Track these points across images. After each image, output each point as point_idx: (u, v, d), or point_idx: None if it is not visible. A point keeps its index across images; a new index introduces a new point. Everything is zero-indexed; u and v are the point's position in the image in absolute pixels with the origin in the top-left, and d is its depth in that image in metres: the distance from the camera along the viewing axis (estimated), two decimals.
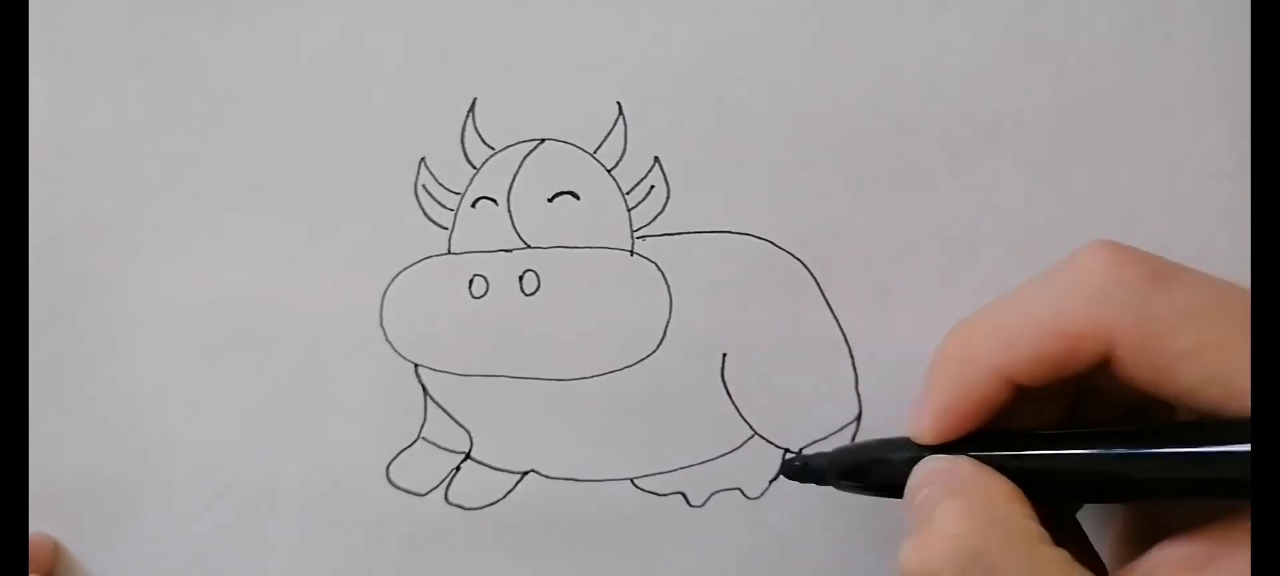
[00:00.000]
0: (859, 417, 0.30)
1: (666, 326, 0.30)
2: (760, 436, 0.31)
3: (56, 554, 0.31)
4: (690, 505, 0.31)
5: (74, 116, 0.31)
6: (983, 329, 0.25)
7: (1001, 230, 0.30)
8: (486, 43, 0.31)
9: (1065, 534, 0.26)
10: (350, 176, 0.31)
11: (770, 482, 0.31)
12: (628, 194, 0.30)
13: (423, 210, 0.31)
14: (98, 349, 0.31)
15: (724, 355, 0.30)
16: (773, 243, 0.30)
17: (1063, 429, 0.25)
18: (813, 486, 0.28)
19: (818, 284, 0.30)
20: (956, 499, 0.23)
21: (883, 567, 0.31)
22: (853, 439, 0.30)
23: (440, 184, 0.30)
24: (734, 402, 0.31)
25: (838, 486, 0.28)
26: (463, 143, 0.30)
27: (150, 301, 0.31)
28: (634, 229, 0.30)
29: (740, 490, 0.31)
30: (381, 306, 0.31)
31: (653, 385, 0.30)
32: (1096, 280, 0.23)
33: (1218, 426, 0.21)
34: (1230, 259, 0.28)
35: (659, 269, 0.30)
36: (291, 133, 0.31)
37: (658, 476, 0.31)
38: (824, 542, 0.31)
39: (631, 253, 0.30)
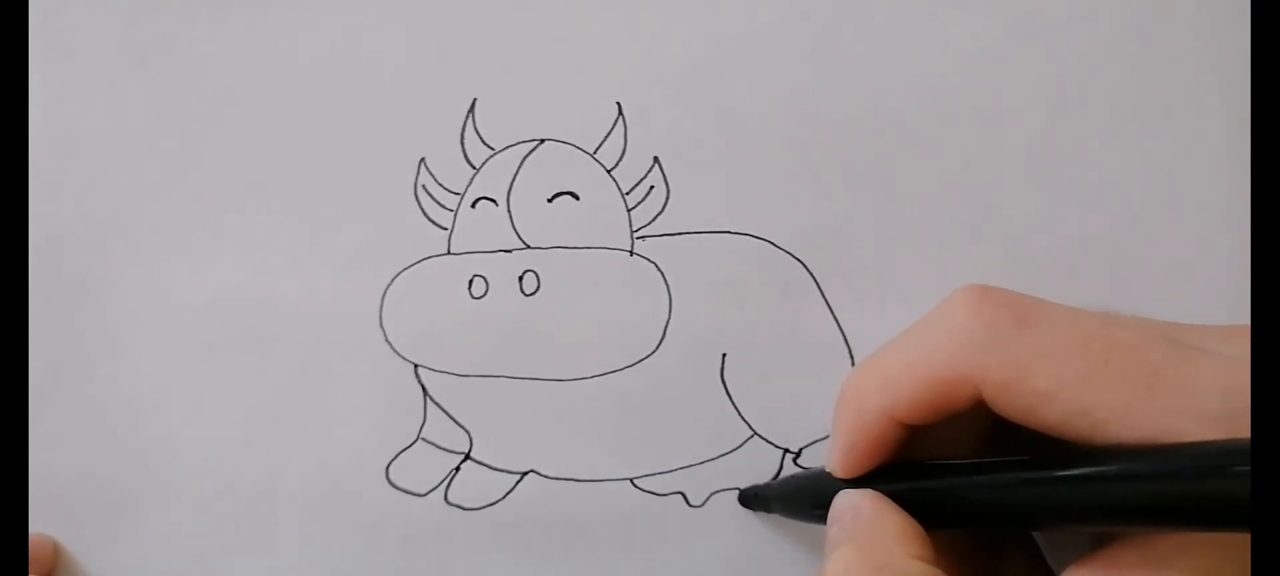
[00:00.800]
0: None
1: (666, 326, 0.30)
2: (760, 436, 0.31)
3: (56, 555, 0.31)
4: (690, 505, 0.31)
5: (74, 116, 0.31)
6: (868, 373, 0.26)
7: (1001, 230, 0.30)
8: (486, 43, 0.31)
9: (1017, 557, 0.27)
10: (350, 176, 0.31)
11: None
12: (627, 194, 0.30)
13: (422, 210, 0.31)
14: (98, 349, 0.31)
15: (724, 355, 0.30)
16: (773, 243, 0.30)
17: (973, 459, 0.25)
18: (763, 514, 0.30)
19: (817, 284, 0.30)
20: (846, 546, 0.24)
21: None
22: None
23: (440, 184, 0.30)
24: (733, 403, 0.31)
25: (783, 514, 0.29)
26: (462, 143, 0.30)
27: (150, 301, 0.31)
28: (634, 229, 0.30)
29: (740, 490, 0.31)
30: (381, 306, 0.31)
31: (653, 385, 0.30)
32: (961, 326, 0.24)
33: (1080, 455, 0.22)
34: (1230, 259, 0.29)
35: (659, 269, 0.30)
36: (291, 133, 0.31)
37: (657, 476, 0.31)
38: (824, 543, 0.31)
39: (631, 253, 0.30)
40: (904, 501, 0.25)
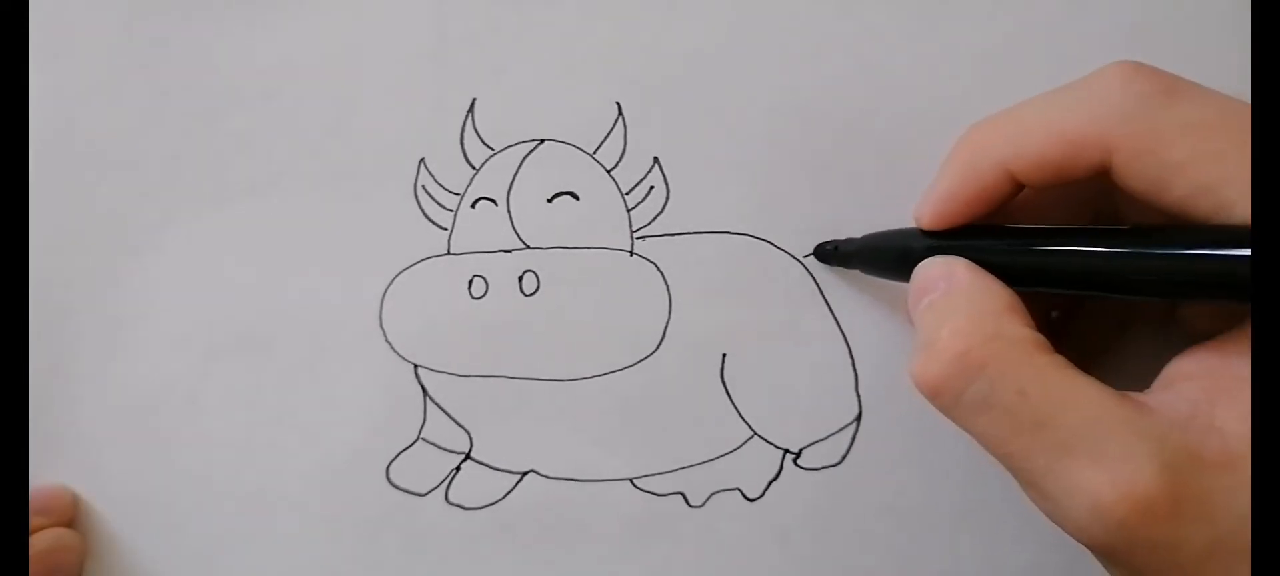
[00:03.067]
0: (859, 417, 0.30)
1: (666, 326, 0.30)
2: (760, 436, 0.31)
3: (76, 505, 0.31)
4: (690, 505, 0.31)
5: (74, 116, 0.31)
6: (994, 126, 0.26)
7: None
8: (486, 43, 0.31)
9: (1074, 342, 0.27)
10: (350, 177, 0.31)
11: (770, 483, 0.31)
12: (627, 194, 0.30)
13: (422, 211, 0.31)
14: (98, 349, 0.31)
15: (724, 355, 0.30)
16: (773, 243, 0.30)
17: (1057, 226, 0.25)
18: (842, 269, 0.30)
19: (817, 284, 0.30)
20: (958, 315, 0.24)
21: (882, 568, 0.31)
22: (853, 439, 0.30)
23: (440, 184, 0.30)
24: (733, 402, 0.31)
25: (862, 269, 0.29)
26: (462, 143, 0.30)
27: (150, 301, 0.31)
28: (634, 229, 0.30)
29: (740, 490, 0.31)
30: (381, 307, 0.31)
31: (653, 385, 0.30)
32: (1106, 91, 0.24)
33: (1206, 230, 0.22)
34: None
35: (659, 269, 0.30)
36: (291, 133, 0.31)
37: (657, 476, 0.31)
38: (823, 542, 0.31)
39: (631, 253, 0.30)
40: (994, 268, 0.25)
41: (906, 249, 0.27)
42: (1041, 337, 0.23)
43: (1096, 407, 0.22)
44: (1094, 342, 0.28)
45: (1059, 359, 0.23)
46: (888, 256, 0.28)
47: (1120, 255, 0.23)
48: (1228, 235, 0.22)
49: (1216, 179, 0.22)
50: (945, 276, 0.25)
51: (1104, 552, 0.22)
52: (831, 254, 0.30)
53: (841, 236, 0.30)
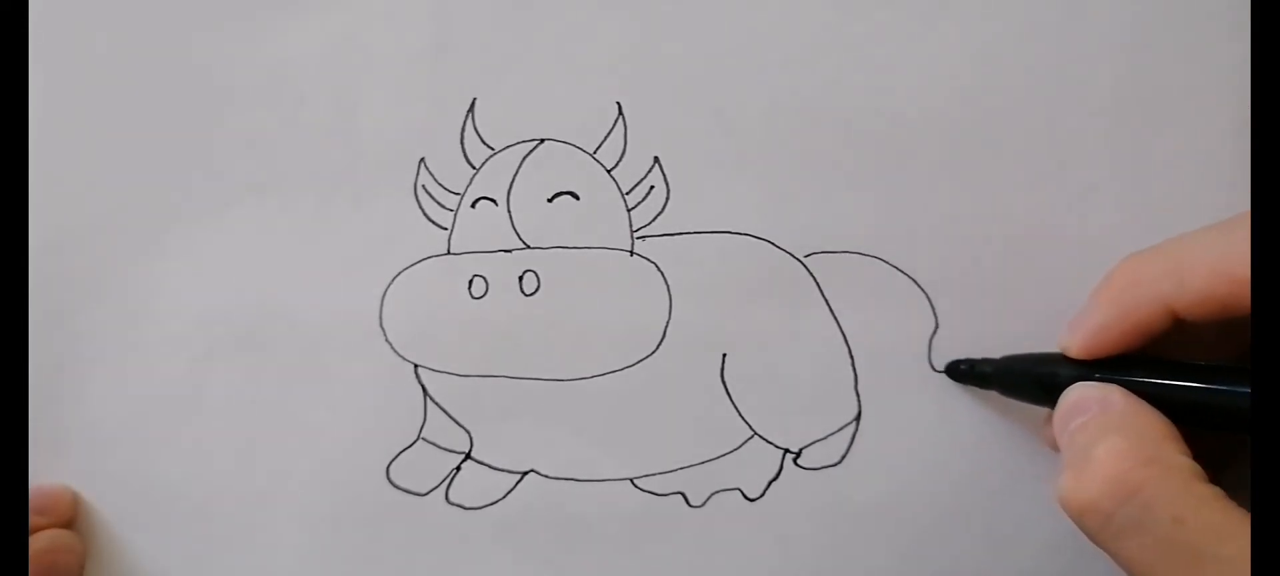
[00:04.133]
0: (858, 417, 0.30)
1: (666, 326, 0.30)
2: (760, 436, 0.31)
3: (76, 504, 0.31)
4: (690, 505, 0.31)
5: (74, 116, 0.31)
6: (1156, 259, 0.25)
7: (1001, 230, 0.30)
8: (486, 43, 0.30)
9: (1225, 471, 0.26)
10: (350, 177, 0.31)
11: (770, 482, 0.31)
12: (627, 194, 0.30)
13: (422, 210, 0.31)
14: (97, 349, 0.31)
15: (724, 355, 0.30)
16: (773, 243, 0.30)
17: (1210, 363, 0.25)
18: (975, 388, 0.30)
19: (817, 284, 0.30)
20: (1115, 436, 0.24)
21: (882, 568, 0.31)
22: (852, 439, 0.30)
23: (440, 184, 0.30)
24: (734, 403, 0.31)
25: (1001, 391, 0.29)
26: (462, 143, 0.30)
27: (150, 302, 0.31)
28: (634, 229, 0.30)
29: (740, 490, 0.31)
30: (381, 307, 0.31)
31: (653, 385, 0.30)
32: None
33: None
34: None
35: (659, 269, 0.30)
36: (291, 133, 0.31)
37: (657, 476, 0.31)
38: (824, 542, 0.31)
39: (631, 253, 0.30)
40: (1149, 399, 0.25)
41: (1054, 375, 0.27)
42: (1199, 467, 0.23)
43: (1248, 540, 0.21)
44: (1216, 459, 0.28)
45: (1217, 489, 0.22)
46: (1033, 381, 0.28)
47: None
48: None
49: None
50: (1099, 400, 0.25)
51: None
52: (966, 373, 0.30)
53: (980, 355, 0.30)
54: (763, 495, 0.31)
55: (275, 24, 0.31)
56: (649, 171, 0.30)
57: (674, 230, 0.30)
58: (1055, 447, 0.27)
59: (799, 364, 0.30)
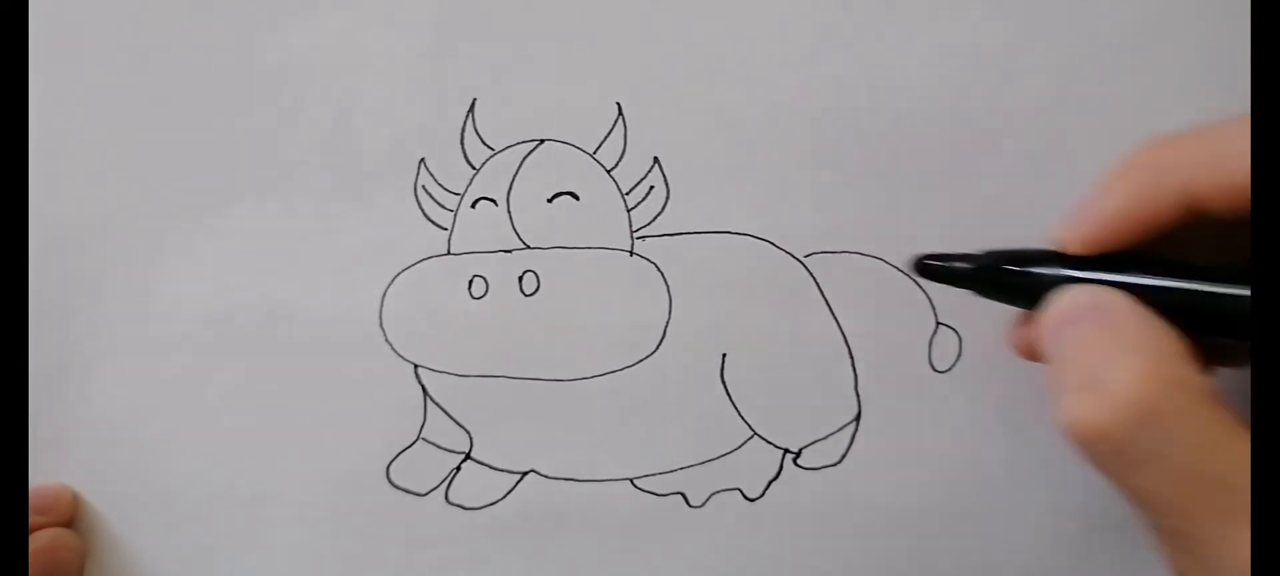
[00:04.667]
0: (858, 417, 0.30)
1: (666, 326, 0.30)
2: (760, 436, 0.31)
3: (76, 503, 0.31)
4: (690, 505, 0.31)
5: (74, 116, 0.31)
6: (1183, 145, 0.23)
7: (1001, 230, 0.30)
8: (486, 43, 0.30)
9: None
10: (350, 177, 0.31)
11: (770, 482, 0.31)
12: (627, 194, 0.30)
13: (422, 211, 0.31)
14: (97, 349, 0.31)
15: (724, 355, 0.30)
16: (773, 243, 0.30)
17: (1217, 264, 0.23)
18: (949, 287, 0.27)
19: (817, 284, 0.30)
20: (1134, 354, 0.21)
21: (882, 568, 0.31)
22: (852, 439, 0.30)
23: (440, 184, 0.30)
24: (734, 403, 0.31)
25: (978, 291, 0.26)
26: (462, 143, 0.30)
27: (150, 302, 0.31)
28: (634, 229, 0.30)
29: (740, 490, 0.31)
30: (381, 307, 0.31)
31: (653, 385, 0.30)
32: None
33: None
34: None
35: (659, 269, 0.30)
36: (291, 133, 0.31)
37: (657, 476, 0.31)
38: (824, 542, 0.31)
39: (631, 253, 0.30)
40: (1156, 306, 0.22)
41: (1046, 274, 0.24)
42: (1217, 387, 0.21)
43: None
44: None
45: (1235, 417, 0.21)
46: (1017, 280, 0.25)
47: None
48: None
49: None
50: (1097, 306, 0.23)
51: None
52: (939, 270, 0.27)
53: (953, 249, 0.27)
54: (763, 495, 0.31)
55: (275, 24, 0.31)
56: (649, 171, 0.30)
57: (674, 230, 0.30)
58: (1026, 354, 0.25)
59: (799, 364, 0.30)
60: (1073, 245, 0.24)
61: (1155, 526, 0.22)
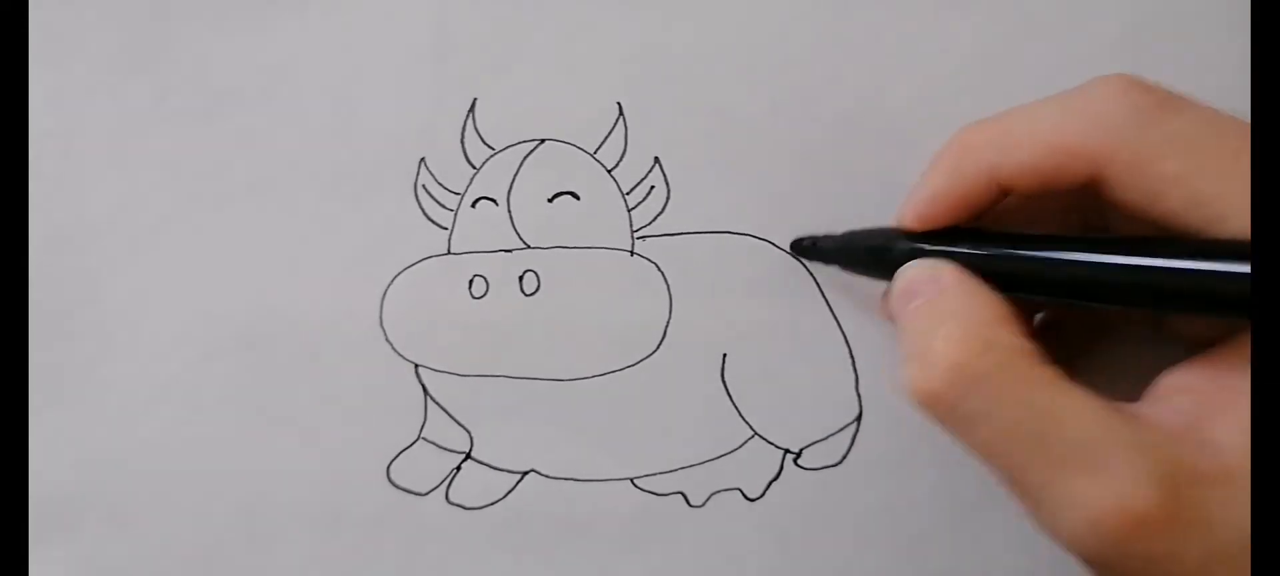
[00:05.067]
0: (859, 417, 0.30)
1: (666, 326, 0.30)
2: (760, 436, 0.31)
3: None
4: (690, 505, 0.31)
5: (74, 116, 0.31)
6: (984, 131, 0.26)
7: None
8: (486, 43, 0.30)
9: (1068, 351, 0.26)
10: (350, 177, 0.31)
11: (770, 482, 0.31)
12: (628, 194, 0.30)
13: (423, 210, 0.31)
14: (97, 349, 0.31)
15: (724, 355, 0.30)
16: (773, 243, 0.30)
17: (1044, 233, 0.25)
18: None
19: (817, 284, 0.30)
20: (951, 322, 0.24)
21: (882, 568, 0.31)
22: (853, 439, 0.30)
23: (440, 184, 0.30)
24: (734, 402, 0.31)
25: (842, 265, 0.29)
26: (463, 143, 0.30)
27: (149, 301, 0.31)
28: (634, 229, 0.30)
29: (740, 490, 0.31)
30: (381, 307, 0.31)
31: (653, 385, 0.30)
32: (1101, 103, 0.24)
33: (1201, 243, 0.22)
34: None
35: (659, 269, 0.30)
36: (291, 133, 0.31)
37: (657, 476, 0.31)
38: (824, 542, 0.31)
39: (631, 253, 0.30)
40: (981, 273, 0.25)
41: (887, 249, 0.27)
42: (1035, 347, 0.23)
43: (1093, 421, 0.22)
44: (1075, 346, 0.28)
45: (1054, 370, 0.23)
46: (868, 255, 0.28)
47: (1111, 266, 0.23)
48: (1223, 248, 0.22)
49: (1210, 194, 0.22)
50: (932, 280, 0.25)
51: (1099, 566, 0.22)
52: (810, 249, 0.29)
53: (823, 232, 0.29)
54: (763, 495, 0.31)
55: (275, 24, 0.31)
56: (649, 171, 0.30)
57: (674, 230, 0.30)
58: (893, 320, 0.27)
59: (799, 364, 0.30)
60: (908, 222, 0.26)
61: (997, 477, 0.23)
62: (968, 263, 0.25)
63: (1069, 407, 0.22)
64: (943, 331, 0.23)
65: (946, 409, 0.23)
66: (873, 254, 0.27)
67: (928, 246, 0.26)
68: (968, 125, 0.26)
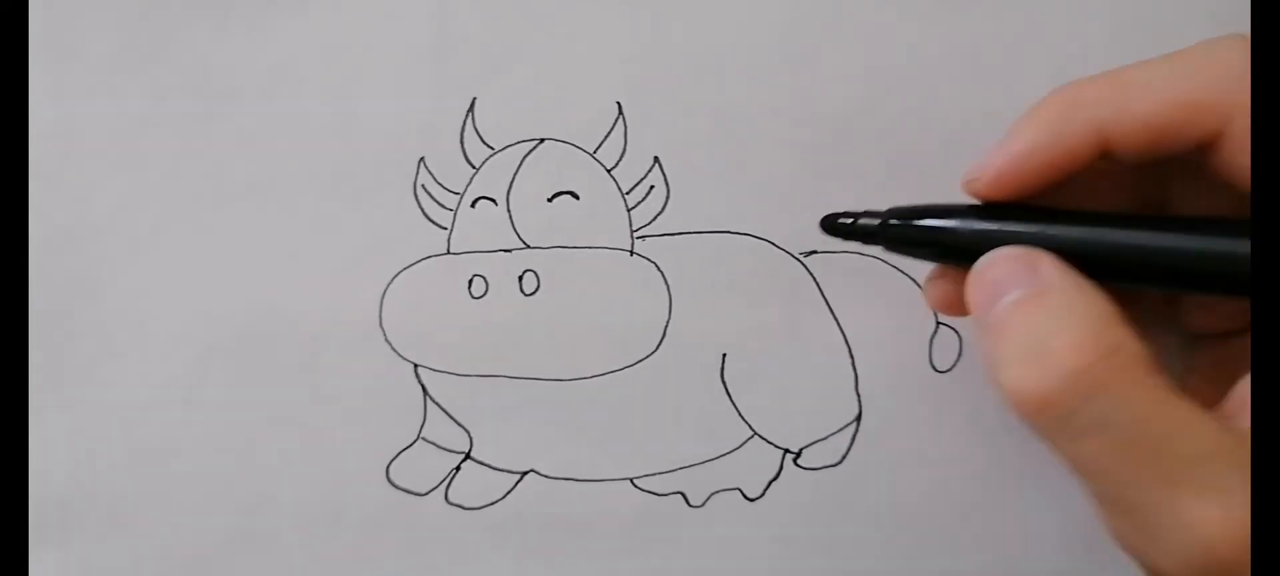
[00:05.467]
0: (859, 417, 0.30)
1: (666, 326, 0.30)
2: (760, 436, 0.31)
3: None
4: (690, 505, 0.31)
5: (74, 116, 0.31)
6: (1093, 85, 0.23)
7: None
8: (486, 43, 0.30)
9: None
10: (350, 177, 0.31)
11: (770, 482, 0.31)
12: (627, 194, 0.30)
13: (422, 210, 0.31)
14: (97, 349, 0.31)
15: (724, 355, 0.30)
16: (773, 243, 0.30)
17: (1140, 214, 0.23)
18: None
19: (817, 284, 0.30)
20: (1068, 322, 0.21)
21: (882, 568, 0.31)
22: (853, 439, 0.30)
23: (440, 184, 0.30)
24: (734, 402, 0.31)
25: (888, 247, 0.26)
26: (462, 143, 0.30)
27: (149, 301, 0.31)
28: (634, 229, 0.30)
29: (740, 490, 0.31)
30: (381, 307, 0.31)
31: (653, 385, 0.30)
32: (1227, 56, 0.22)
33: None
34: None
35: (659, 269, 0.30)
36: (291, 133, 0.31)
37: (657, 476, 0.31)
38: (824, 542, 0.31)
39: (631, 253, 0.30)
40: (1075, 260, 0.22)
41: (959, 230, 0.24)
42: (1150, 352, 0.21)
43: (1207, 437, 0.20)
44: None
45: (1166, 379, 0.21)
46: (928, 236, 0.24)
47: (1220, 252, 0.21)
48: None
49: None
50: (1029, 269, 0.22)
51: None
52: (849, 228, 0.26)
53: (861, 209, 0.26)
54: (763, 495, 0.31)
55: (275, 24, 0.31)
56: (649, 171, 0.30)
57: (674, 230, 0.30)
58: (946, 308, 0.25)
59: (799, 364, 0.30)
60: (986, 186, 0.24)
61: (1094, 491, 0.22)
62: (1059, 247, 0.22)
63: (1184, 421, 0.21)
64: (1060, 332, 0.21)
65: (1058, 417, 0.21)
66: (935, 236, 0.24)
67: (1019, 228, 0.23)
68: (1069, 82, 0.24)
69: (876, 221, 0.25)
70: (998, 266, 0.23)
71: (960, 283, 0.24)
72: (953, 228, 0.24)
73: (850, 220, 0.26)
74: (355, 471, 0.31)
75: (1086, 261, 0.22)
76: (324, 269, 0.31)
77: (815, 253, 0.30)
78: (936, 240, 0.24)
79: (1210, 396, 0.22)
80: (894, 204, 0.29)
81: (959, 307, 0.25)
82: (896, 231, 0.25)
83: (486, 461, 0.31)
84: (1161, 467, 0.20)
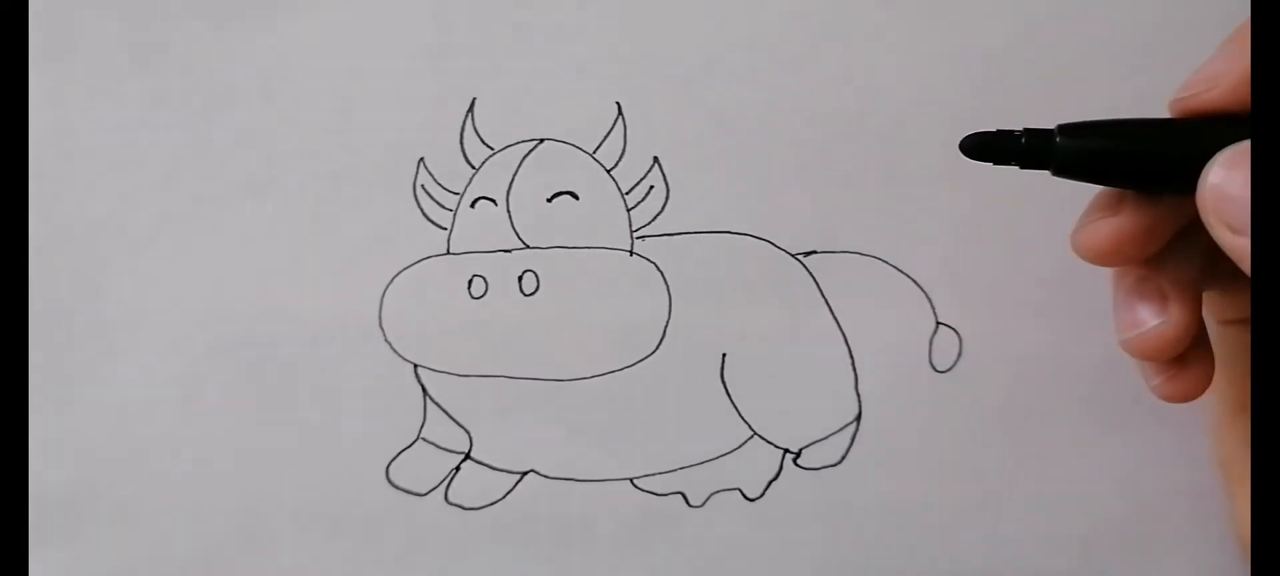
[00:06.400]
0: (859, 417, 0.30)
1: (666, 326, 0.30)
2: (760, 436, 0.31)
3: None
4: (690, 505, 0.31)
5: (74, 116, 0.31)
6: None
7: (1001, 230, 0.30)
8: (486, 43, 0.30)
9: None
10: (350, 177, 0.31)
11: (770, 482, 0.31)
12: (627, 194, 0.30)
13: (422, 210, 0.31)
14: (96, 349, 0.31)
15: (724, 355, 0.30)
16: (773, 243, 0.30)
17: None
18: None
19: (817, 284, 0.30)
20: None
21: (882, 568, 0.31)
22: (853, 439, 0.30)
23: (439, 184, 0.30)
24: (734, 402, 0.31)
25: (1061, 170, 0.22)
26: (462, 143, 0.30)
27: (149, 301, 0.31)
28: (633, 229, 0.30)
29: (740, 490, 0.31)
30: (380, 307, 0.31)
31: (652, 385, 0.30)
32: None
33: None
34: None
35: (658, 269, 0.30)
36: (291, 133, 0.31)
37: (657, 476, 0.31)
38: (824, 542, 0.31)
39: (631, 253, 0.30)
40: None
41: (1168, 143, 0.20)
42: None
43: None
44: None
45: None
46: (1136, 143, 0.21)
47: None
48: None
49: None
50: None
51: None
52: (1006, 147, 0.22)
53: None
54: (763, 495, 0.31)
55: (275, 24, 0.31)
56: (649, 171, 0.30)
57: (674, 230, 0.30)
58: (1117, 248, 0.22)
59: (799, 364, 0.30)
60: (1217, 94, 0.21)
61: None
62: None
63: None
64: None
65: None
66: (1150, 148, 0.20)
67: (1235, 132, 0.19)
68: None
69: (1046, 135, 0.21)
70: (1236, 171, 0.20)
71: (1141, 213, 0.21)
72: (1171, 148, 0.20)
73: (1023, 137, 0.22)
74: (355, 471, 0.31)
75: None
76: (324, 269, 0.31)
77: (815, 253, 0.30)
78: (1140, 150, 0.21)
79: (1240, 382, 0.21)
80: (894, 204, 0.29)
81: (1135, 247, 0.22)
82: (1070, 148, 0.21)
83: (486, 461, 0.31)
84: None
